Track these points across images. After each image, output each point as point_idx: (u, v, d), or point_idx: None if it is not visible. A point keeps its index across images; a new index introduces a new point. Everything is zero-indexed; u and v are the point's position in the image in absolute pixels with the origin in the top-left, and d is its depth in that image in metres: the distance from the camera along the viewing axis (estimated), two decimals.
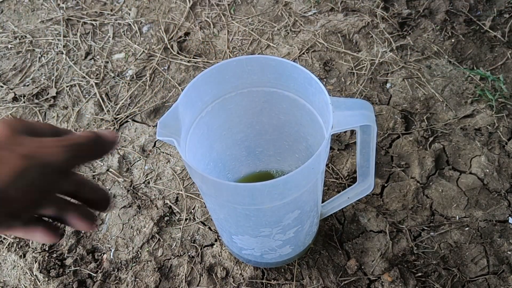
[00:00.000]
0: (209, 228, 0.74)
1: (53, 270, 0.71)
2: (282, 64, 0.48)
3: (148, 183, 0.80)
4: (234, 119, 0.58)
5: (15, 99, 0.93)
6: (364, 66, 0.93)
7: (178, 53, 0.98)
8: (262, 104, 0.56)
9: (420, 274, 0.67)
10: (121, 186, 0.80)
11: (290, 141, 0.63)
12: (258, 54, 0.97)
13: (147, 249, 0.73)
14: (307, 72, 0.46)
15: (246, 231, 0.53)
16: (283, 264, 0.69)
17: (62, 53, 1.01)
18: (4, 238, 0.76)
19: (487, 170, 0.77)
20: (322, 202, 0.66)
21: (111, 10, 1.08)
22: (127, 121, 0.88)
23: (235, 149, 0.65)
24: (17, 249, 0.74)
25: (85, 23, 1.06)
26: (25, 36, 1.05)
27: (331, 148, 0.81)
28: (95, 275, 0.71)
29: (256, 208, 0.45)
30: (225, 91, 0.53)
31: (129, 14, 1.07)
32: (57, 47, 1.02)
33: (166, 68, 0.96)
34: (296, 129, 0.59)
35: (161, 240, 0.73)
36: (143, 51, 0.99)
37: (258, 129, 0.62)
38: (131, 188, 0.79)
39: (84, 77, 0.96)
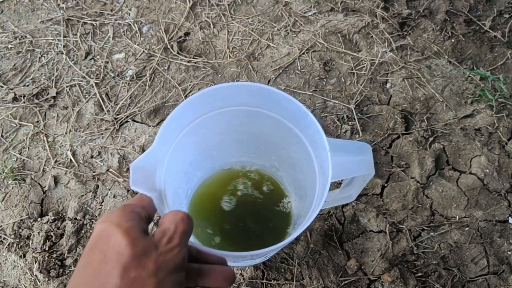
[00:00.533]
0: None
1: (53, 270, 0.71)
2: (274, 95, 0.45)
3: None
4: (211, 132, 0.55)
5: (15, 99, 0.93)
6: (364, 66, 0.93)
7: (178, 53, 0.98)
8: (243, 119, 0.53)
9: (420, 274, 0.67)
10: (121, 186, 0.80)
11: (267, 146, 0.60)
12: (258, 54, 0.97)
13: None
14: (302, 108, 0.43)
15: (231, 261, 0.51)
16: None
17: (62, 53, 1.01)
18: (4, 238, 0.76)
19: (487, 170, 0.77)
20: None
21: (111, 10, 1.08)
22: (127, 121, 0.88)
23: (206, 154, 0.62)
24: (17, 249, 0.74)
25: (85, 23, 1.06)
26: (25, 36, 1.05)
27: None
28: None
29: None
30: (205, 111, 0.49)
31: (129, 14, 1.07)
32: (57, 47, 1.02)
33: (166, 68, 0.96)
34: (277, 141, 0.55)
35: None
36: (143, 51, 0.99)
37: (234, 136, 0.59)
38: (131, 188, 0.79)
39: (84, 77, 0.96)
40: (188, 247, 0.31)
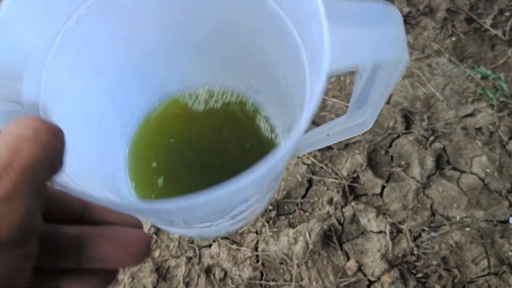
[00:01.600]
0: None
1: None
2: None
3: None
4: (137, 22, 0.34)
5: None
6: None
7: None
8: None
9: (420, 275, 0.67)
10: None
11: (236, 51, 0.39)
12: None
13: None
14: None
15: (180, 225, 0.35)
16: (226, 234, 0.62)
17: None
18: None
19: (488, 170, 0.76)
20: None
21: None
22: None
23: (144, 66, 0.40)
24: None
25: None
26: None
27: (330, 148, 0.80)
28: None
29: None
30: None
31: None
32: None
33: None
34: (248, 37, 0.36)
35: (159, 241, 0.73)
36: None
37: (181, 34, 0.37)
38: None
39: None
40: (52, 196, 0.17)
